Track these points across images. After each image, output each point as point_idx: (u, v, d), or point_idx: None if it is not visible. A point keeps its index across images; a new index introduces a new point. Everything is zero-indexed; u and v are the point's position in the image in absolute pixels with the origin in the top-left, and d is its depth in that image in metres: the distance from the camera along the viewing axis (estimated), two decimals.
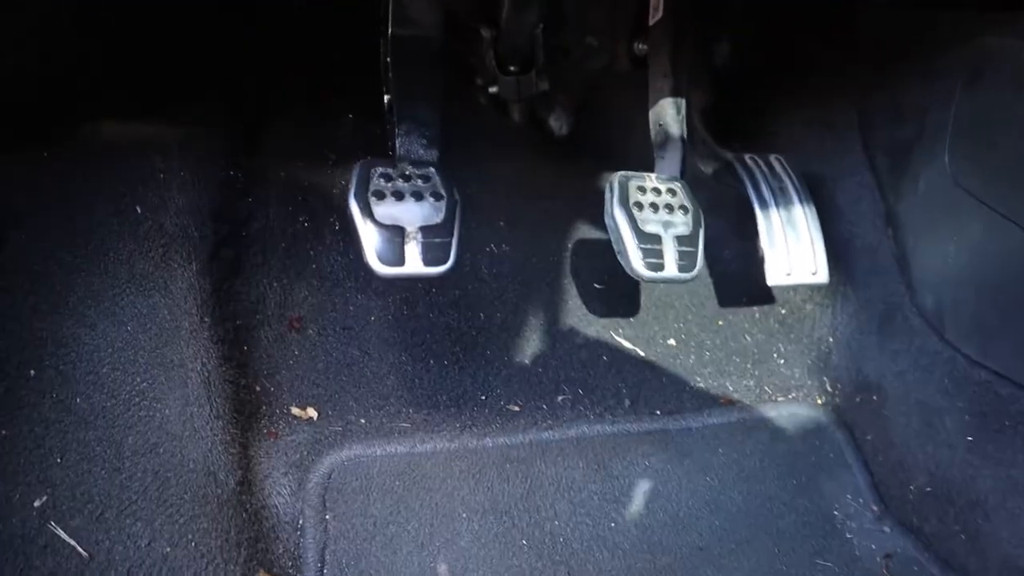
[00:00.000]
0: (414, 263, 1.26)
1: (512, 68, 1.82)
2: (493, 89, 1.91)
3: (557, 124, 2.00)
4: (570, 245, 1.83)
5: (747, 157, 1.68)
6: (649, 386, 1.66)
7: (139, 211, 1.42)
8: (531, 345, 1.68)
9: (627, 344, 1.71)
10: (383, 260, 1.25)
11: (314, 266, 1.63)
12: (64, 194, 1.38)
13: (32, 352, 1.27)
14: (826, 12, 1.74)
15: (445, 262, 1.27)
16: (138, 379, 1.32)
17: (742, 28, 1.96)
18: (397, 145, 1.37)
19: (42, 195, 1.37)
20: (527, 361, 1.66)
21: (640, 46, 1.88)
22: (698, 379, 1.69)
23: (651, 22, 1.63)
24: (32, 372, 1.26)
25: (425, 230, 1.28)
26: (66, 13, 1.32)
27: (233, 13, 1.59)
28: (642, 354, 1.71)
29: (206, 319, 1.42)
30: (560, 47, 1.95)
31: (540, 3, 1.67)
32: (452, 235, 1.29)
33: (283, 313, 1.57)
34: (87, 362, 1.30)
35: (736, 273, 1.85)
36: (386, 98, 1.42)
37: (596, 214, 1.55)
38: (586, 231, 1.84)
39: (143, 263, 1.40)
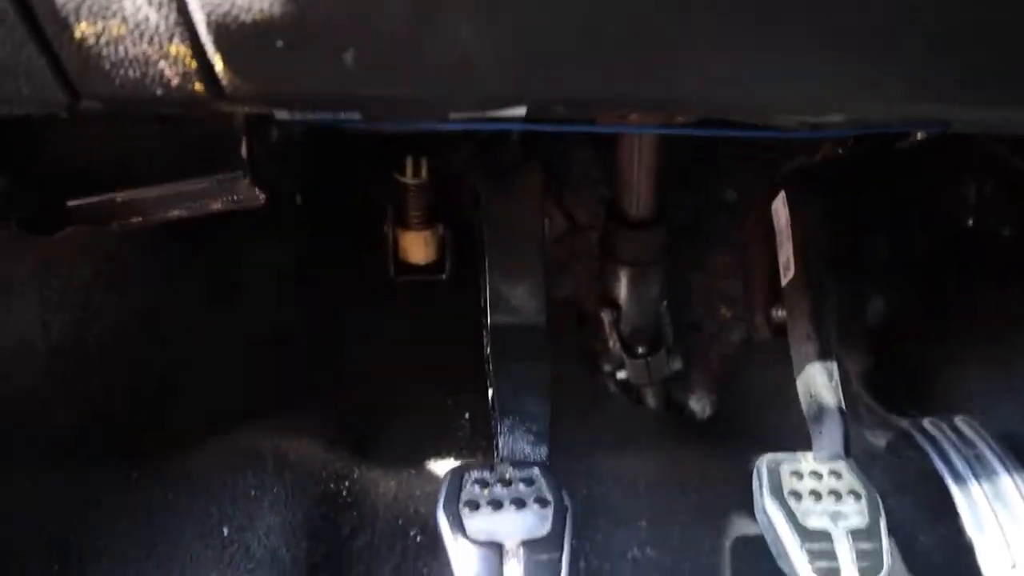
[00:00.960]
0: None
1: (640, 350, 1.69)
2: (621, 374, 1.77)
3: (699, 406, 1.80)
4: (727, 544, 1.54)
5: (927, 422, 1.40)
6: None
7: (225, 533, 1.30)
8: None
9: None
10: None
11: None
12: (149, 519, 1.29)
13: None
14: (993, 244, 1.53)
15: None
16: None
17: (893, 280, 1.76)
18: (499, 444, 1.22)
19: (126, 521, 1.28)
20: None
21: (779, 312, 1.71)
22: None
23: (784, 283, 1.47)
24: None
25: (528, 545, 1.07)
26: (167, 339, 1.32)
27: (335, 323, 1.56)
28: None
29: None
30: (691, 322, 1.81)
31: (660, 277, 1.56)
32: (561, 550, 1.07)
33: None
34: None
35: (941, 565, 1.48)
36: (490, 392, 1.29)
37: (752, 505, 1.30)
38: (745, 526, 1.56)
39: None
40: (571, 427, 1.71)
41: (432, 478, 1.58)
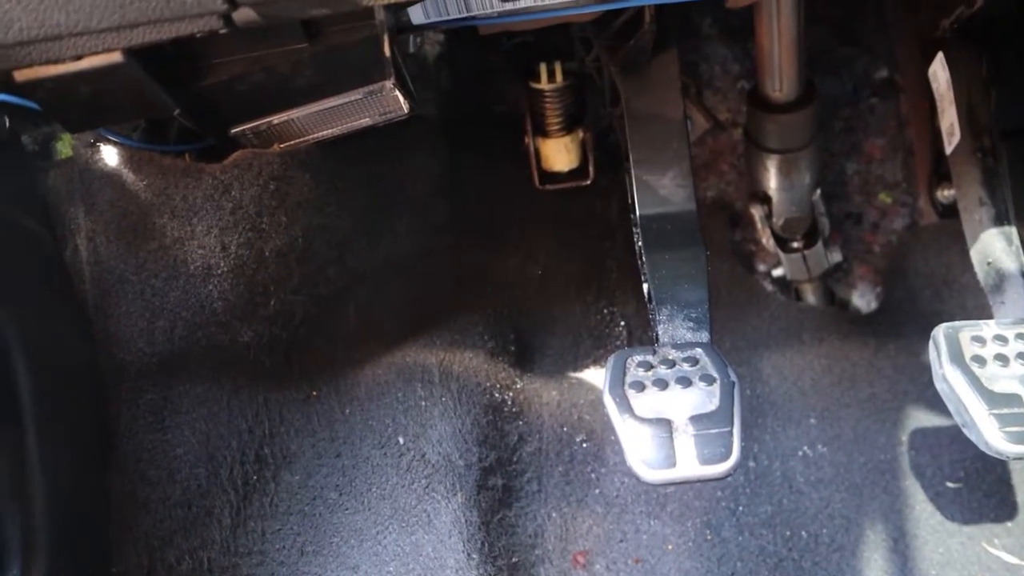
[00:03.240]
0: (688, 463, 1.03)
1: (795, 244, 1.64)
2: (778, 272, 1.72)
3: (863, 301, 1.73)
4: (904, 438, 1.49)
5: None
6: None
7: (401, 442, 1.37)
8: (874, 568, 1.34)
9: (1011, 559, 1.30)
10: (649, 463, 1.03)
11: (597, 491, 1.46)
12: (331, 432, 1.38)
13: None
14: None
15: (727, 458, 1.03)
16: None
17: None
18: (660, 333, 1.21)
19: (312, 435, 1.37)
20: None
21: (945, 192, 1.61)
22: None
23: (948, 151, 1.37)
24: None
25: (697, 420, 1.06)
26: (331, 263, 1.39)
27: (486, 236, 1.59)
28: None
29: (474, 556, 1.28)
30: (849, 212, 1.73)
31: (811, 164, 1.50)
32: (732, 423, 1.06)
33: (565, 547, 1.40)
34: None
35: None
36: (645, 287, 1.28)
37: (931, 394, 1.25)
38: (922, 418, 1.50)
39: (406, 496, 1.32)
40: (731, 330, 1.69)
41: (593, 387, 1.60)
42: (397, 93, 1.13)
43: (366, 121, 1.19)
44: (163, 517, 1.24)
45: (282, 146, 1.20)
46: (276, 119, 1.16)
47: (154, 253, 1.24)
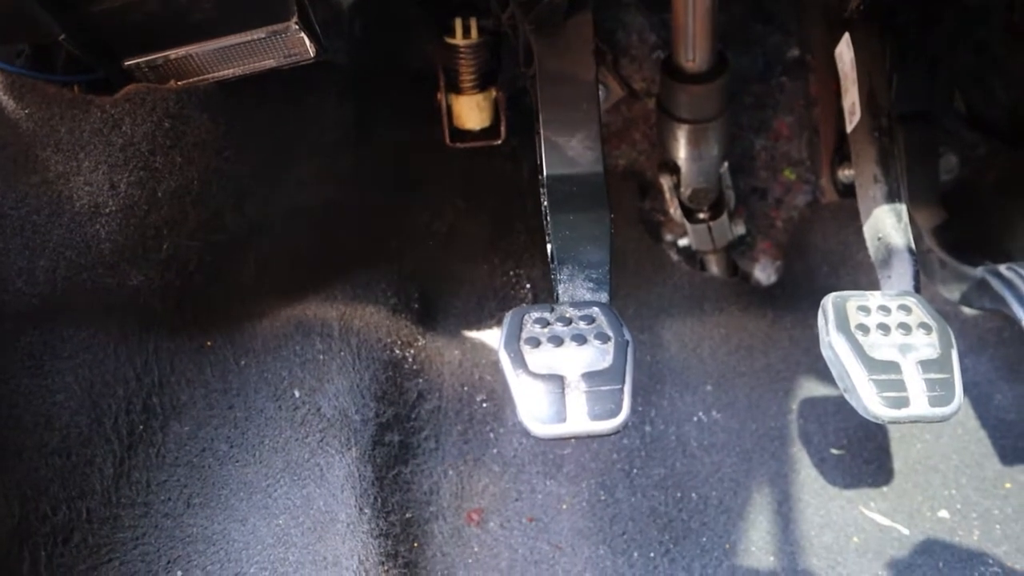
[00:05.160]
0: (578, 419, 1.03)
1: (701, 216, 1.66)
2: (684, 241, 1.75)
3: (764, 274, 1.77)
4: (794, 406, 1.53)
5: (1003, 268, 1.35)
6: (921, 573, 1.27)
7: (296, 395, 1.34)
8: (758, 529, 1.38)
9: (883, 520, 1.35)
10: (540, 418, 1.04)
11: (495, 451, 1.47)
12: (225, 384, 1.35)
13: (181, 550, 1.20)
14: None
15: (617, 415, 1.04)
16: None
17: (970, 136, 1.68)
18: (559, 292, 1.21)
19: (204, 386, 1.34)
20: (754, 548, 1.35)
21: (846, 172, 1.67)
22: (990, 561, 1.28)
23: (849, 129, 1.41)
24: (179, 573, 1.18)
25: (589, 377, 1.06)
26: (229, 209, 1.35)
27: (394, 191, 1.57)
28: (905, 532, 1.33)
29: (366, 511, 1.27)
30: (754, 187, 1.77)
31: (720, 136, 1.52)
32: (623, 381, 1.06)
33: (460, 505, 1.40)
34: (235, 561, 1.19)
35: (1017, 422, 1.46)
36: (549, 247, 1.28)
37: (822, 366, 1.28)
38: (812, 388, 1.55)
39: (299, 450, 1.30)
40: (635, 297, 1.71)
41: (496, 348, 1.60)
42: (303, 35, 1.10)
43: (270, 63, 1.15)
44: (38, 465, 1.18)
45: (180, 83, 1.15)
46: (173, 54, 1.11)
47: (36, 188, 1.17)
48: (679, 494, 1.43)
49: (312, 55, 1.14)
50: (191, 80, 1.14)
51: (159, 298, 1.31)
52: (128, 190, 1.18)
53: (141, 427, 1.27)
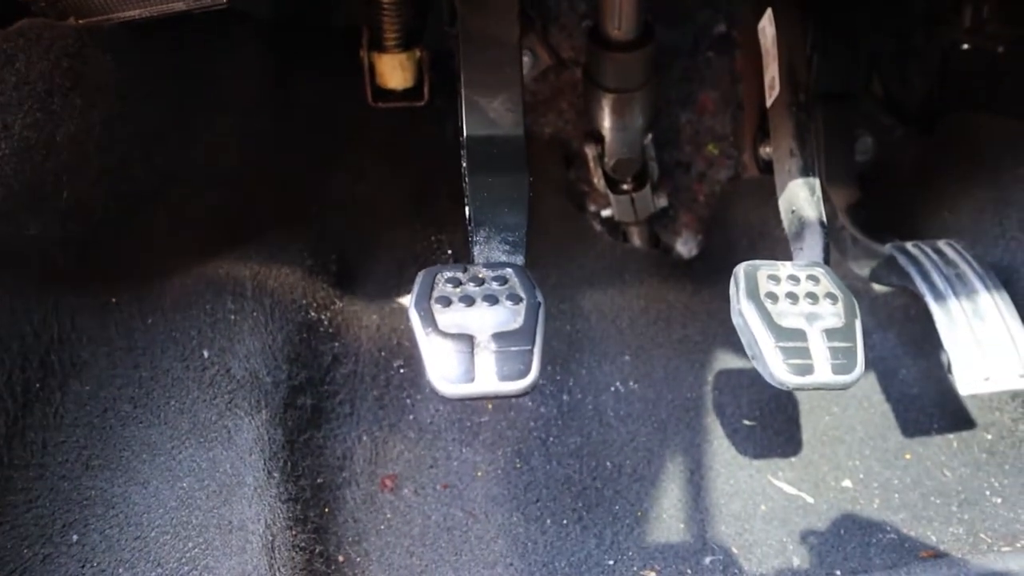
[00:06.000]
0: (487, 379, 1.02)
1: (624, 187, 1.67)
2: (607, 212, 1.75)
3: (685, 247, 1.79)
4: (710, 378, 1.55)
5: (910, 245, 1.39)
6: (823, 540, 1.30)
7: (205, 355, 1.30)
8: (670, 497, 1.39)
9: (790, 489, 1.38)
10: (449, 378, 1.02)
11: (411, 417, 1.45)
12: (130, 342, 1.29)
13: (78, 513, 1.15)
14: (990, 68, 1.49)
15: (525, 375, 1.03)
16: (189, 543, 1.14)
17: (886, 119, 1.72)
18: (475, 254, 1.20)
19: (107, 344, 1.28)
20: (665, 516, 1.36)
21: (768, 149, 1.69)
22: (887, 528, 1.32)
23: (768, 104, 1.43)
24: (75, 537, 1.13)
25: (499, 337, 1.05)
26: (136, 159, 1.29)
27: (314, 151, 1.53)
28: (810, 500, 1.36)
29: (275, 474, 1.24)
30: (678, 161, 1.78)
31: (645, 106, 1.52)
32: (533, 342, 1.06)
33: (374, 470, 1.38)
34: (135, 525, 1.14)
35: (920, 396, 1.50)
36: (466, 209, 1.26)
37: (739, 341, 1.30)
38: (728, 360, 1.57)
39: (206, 412, 1.25)
40: (556, 266, 1.71)
41: None
42: None
43: (179, 5, 1.10)
44: None
45: (81, 21, 1.09)
46: None
47: None
48: (594, 463, 1.43)
49: (224, 2, 1.09)
50: (93, 19, 1.08)
51: (60, 250, 1.24)
52: (23, 132, 1.11)
53: (37, 385, 1.21)
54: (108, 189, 1.25)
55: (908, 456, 1.43)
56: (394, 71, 1.48)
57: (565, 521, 1.35)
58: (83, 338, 1.28)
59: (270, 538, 1.18)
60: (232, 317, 1.35)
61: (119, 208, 1.29)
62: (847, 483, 1.40)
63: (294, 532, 1.22)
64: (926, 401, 1.51)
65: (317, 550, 1.24)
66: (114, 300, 1.32)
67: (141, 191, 1.31)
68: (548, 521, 1.35)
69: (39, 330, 1.23)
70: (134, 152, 1.27)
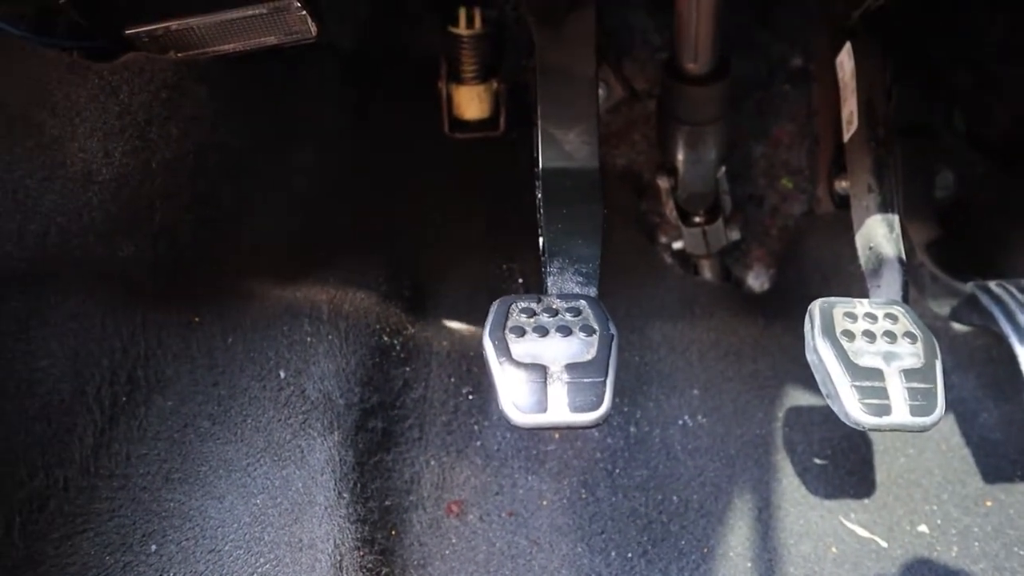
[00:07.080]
0: (559, 409, 1.03)
1: (697, 219, 1.66)
2: (678, 244, 1.74)
3: (757, 281, 1.77)
4: (780, 414, 1.53)
5: (993, 284, 1.35)
6: None
7: (282, 376, 1.34)
8: (737, 535, 1.37)
9: (863, 532, 1.35)
10: (521, 407, 1.03)
11: (479, 443, 1.46)
12: (211, 360, 1.34)
13: (157, 524, 1.19)
14: None
15: (597, 407, 1.03)
16: (261, 559, 1.17)
17: (968, 154, 1.68)
18: (548, 284, 1.21)
19: (190, 361, 1.33)
20: (732, 554, 1.34)
21: (843, 184, 1.66)
22: None
23: (846, 138, 1.41)
24: (154, 547, 1.17)
25: (572, 369, 1.06)
26: (224, 185, 1.34)
27: (391, 179, 1.57)
28: (884, 545, 1.32)
29: (345, 495, 1.26)
30: (752, 194, 1.77)
31: (719, 139, 1.52)
32: (606, 375, 1.06)
33: (441, 495, 1.39)
34: (210, 538, 1.18)
35: (1002, 442, 1.45)
36: (540, 240, 1.28)
37: (810, 375, 1.28)
38: (799, 396, 1.54)
39: (281, 431, 1.29)
40: (627, 297, 1.71)
41: None
42: (305, 13, 1.10)
43: (271, 40, 1.15)
44: (17, 430, 1.17)
45: (179, 55, 1.15)
46: (174, 24, 1.11)
47: (30, 151, 1.16)
48: (660, 496, 1.42)
49: (313, 34, 1.13)
50: (191, 53, 1.14)
51: (149, 270, 1.30)
52: (122, 159, 1.18)
53: (124, 399, 1.27)
54: (197, 214, 1.31)
55: (989, 503, 1.38)
56: (471, 102, 1.51)
57: (630, 554, 1.34)
58: (168, 355, 1.33)
59: (338, 558, 1.20)
60: (308, 339, 1.39)
61: (205, 232, 1.34)
62: (923, 528, 1.35)
63: (362, 553, 1.24)
64: (1009, 448, 1.46)
65: (383, 572, 1.26)
66: (197, 319, 1.37)
67: (226, 216, 1.36)
68: (613, 553, 1.34)
69: (128, 346, 1.29)
70: (222, 179, 1.32)
